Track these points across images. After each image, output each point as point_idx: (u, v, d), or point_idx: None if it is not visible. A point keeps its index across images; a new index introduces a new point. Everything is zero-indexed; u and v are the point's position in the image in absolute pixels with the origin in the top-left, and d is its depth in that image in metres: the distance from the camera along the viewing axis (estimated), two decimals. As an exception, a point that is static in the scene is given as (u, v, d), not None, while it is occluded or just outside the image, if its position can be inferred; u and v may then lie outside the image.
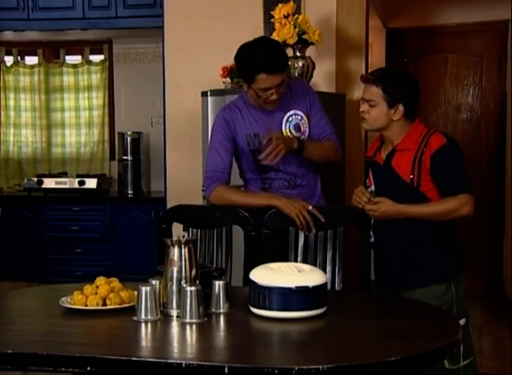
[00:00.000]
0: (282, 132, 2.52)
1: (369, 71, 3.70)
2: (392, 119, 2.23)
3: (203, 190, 3.35)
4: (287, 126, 2.55)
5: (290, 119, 2.55)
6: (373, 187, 2.31)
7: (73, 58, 5.14)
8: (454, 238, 2.30)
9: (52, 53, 5.17)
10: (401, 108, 2.22)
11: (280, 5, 3.23)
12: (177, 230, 2.56)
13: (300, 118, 2.55)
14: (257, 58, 2.38)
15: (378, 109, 2.23)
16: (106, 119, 5.02)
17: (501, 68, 4.85)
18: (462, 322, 2.16)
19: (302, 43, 3.19)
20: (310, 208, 2.37)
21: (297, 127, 2.55)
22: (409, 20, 5.00)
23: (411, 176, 2.19)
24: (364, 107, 2.26)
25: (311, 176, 2.62)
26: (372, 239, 2.34)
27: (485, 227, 4.86)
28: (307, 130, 2.57)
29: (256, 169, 2.58)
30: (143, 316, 1.79)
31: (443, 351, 1.61)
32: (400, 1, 4.94)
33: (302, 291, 1.74)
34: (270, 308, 1.75)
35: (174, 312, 1.83)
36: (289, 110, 2.54)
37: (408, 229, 2.22)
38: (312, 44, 3.20)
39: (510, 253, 4.41)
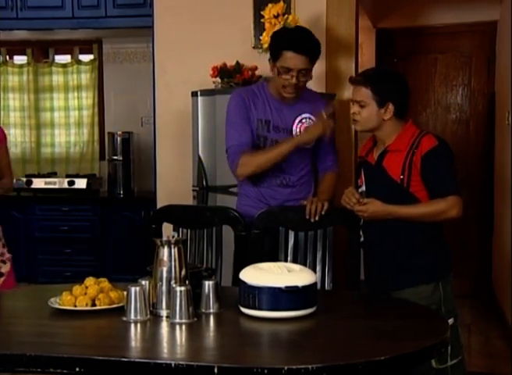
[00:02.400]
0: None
1: (359, 71, 3.72)
2: (384, 119, 2.24)
3: (193, 190, 3.36)
4: (298, 127, 2.57)
5: (304, 120, 2.57)
6: (364, 187, 2.32)
7: (63, 58, 5.12)
8: (442, 239, 2.31)
9: (41, 53, 5.14)
10: (391, 106, 2.23)
11: (270, 5, 3.23)
12: (167, 230, 2.55)
13: (312, 123, 2.56)
14: (290, 36, 2.48)
15: (369, 110, 2.23)
16: (96, 118, 5.00)
17: (489, 68, 4.88)
18: (450, 321, 2.17)
19: (292, 43, 3.19)
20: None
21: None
22: (399, 21, 5.02)
23: (401, 177, 2.20)
24: (354, 108, 2.27)
25: (306, 178, 2.64)
26: (362, 239, 2.35)
27: (474, 227, 4.89)
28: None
29: None
30: (132, 317, 1.79)
31: (432, 351, 1.62)
32: (389, 2, 4.96)
33: (292, 290, 1.74)
34: (260, 308, 1.76)
35: (164, 313, 1.82)
36: (304, 113, 2.57)
37: (397, 229, 2.23)
38: (302, 44, 3.21)
39: (499, 253, 4.44)
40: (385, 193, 2.23)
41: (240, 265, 1.96)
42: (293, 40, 2.46)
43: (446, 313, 2.20)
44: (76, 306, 1.86)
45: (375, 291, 2.33)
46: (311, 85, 3.46)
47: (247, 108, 2.55)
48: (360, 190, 2.33)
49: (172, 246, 1.85)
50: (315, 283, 1.82)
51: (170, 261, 1.85)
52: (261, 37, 3.15)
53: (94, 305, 1.87)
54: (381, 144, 2.30)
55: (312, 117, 2.56)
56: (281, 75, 2.47)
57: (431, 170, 2.19)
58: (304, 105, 2.58)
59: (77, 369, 1.54)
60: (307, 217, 2.39)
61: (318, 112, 2.51)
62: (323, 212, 2.40)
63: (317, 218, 2.39)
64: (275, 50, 2.48)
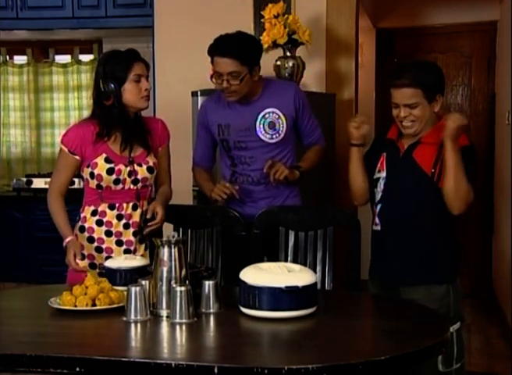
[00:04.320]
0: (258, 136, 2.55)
1: (359, 72, 3.72)
2: (434, 112, 2.23)
3: (193, 190, 3.36)
4: (262, 123, 2.56)
5: (267, 116, 2.55)
6: (384, 174, 2.28)
7: (63, 58, 5.12)
8: (457, 242, 2.31)
9: (41, 52, 5.14)
10: (439, 97, 2.22)
11: (270, 5, 3.23)
12: (167, 230, 2.55)
13: (277, 117, 2.55)
14: (217, 41, 2.47)
15: (421, 108, 2.20)
16: (96, 119, 5.00)
17: (490, 68, 4.88)
18: (457, 325, 2.17)
19: (292, 43, 3.19)
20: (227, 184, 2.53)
21: (272, 125, 2.55)
22: (399, 21, 5.02)
23: (433, 171, 2.20)
24: (404, 112, 2.20)
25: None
26: (378, 227, 2.30)
27: (474, 227, 4.89)
28: (283, 129, 2.55)
29: (227, 158, 2.63)
30: (132, 317, 1.79)
31: (432, 351, 1.62)
32: (389, 2, 4.96)
33: (292, 290, 1.74)
34: (260, 308, 1.75)
35: (164, 313, 1.82)
36: (268, 107, 2.55)
37: (420, 219, 2.22)
38: (302, 44, 3.21)
39: (499, 252, 4.44)
40: (411, 184, 2.21)
41: (240, 265, 1.96)
42: (218, 44, 2.45)
43: (453, 317, 2.20)
44: (76, 306, 1.86)
45: (383, 284, 2.30)
46: (312, 85, 3.48)
47: (204, 118, 2.65)
48: (378, 176, 2.29)
49: (172, 246, 1.85)
50: (315, 283, 1.82)
51: (170, 261, 1.85)
52: (261, 37, 3.15)
53: (94, 305, 1.87)
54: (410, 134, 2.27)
55: (276, 111, 2.54)
56: (216, 81, 2.49)
57: None
58: (267, 99, 2.56)
59: (77, 369, 1.54)
60: (264, 170, 2.47)
61: (283, 103, 2.54)
62: (281, 178, 2.46)
63: (273, 183, 2.47)
64: (210, 57, 2.49)
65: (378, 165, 2.32)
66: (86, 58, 5.04)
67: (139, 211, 2.36)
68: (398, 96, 2.20)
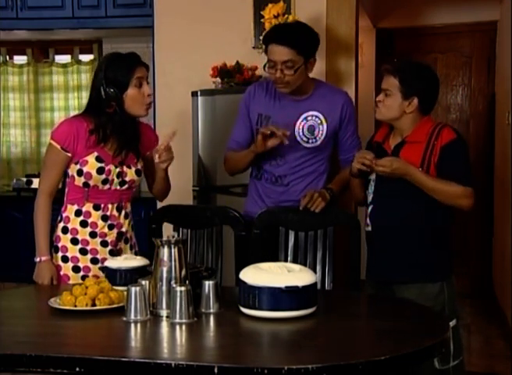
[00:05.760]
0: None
1: (359, 72, 3.72)
2: (405, 112, 2.24)
3: (193, 190, 3.36)
4: (301, 124, 2.49)
5: (309, 118, 2.49)
6: (374, 175, 2.29)
7: (63, 58, 5.11)
8: (449, 239, 2.32)
9: (41, 52, 5.14)
10: (415, 101, 2.22)
11: (270, 5, 3.23)
12: (167, 230, 2.55)
13: (319, 121, 2.49)
14: (275, 29, 2.46)
15: (393, 99, 2.23)
16: (96, 119, 5.00)
17: (490, 68, 4.88)
18: (453, 323, 2.17)
19: (292, 43, 3.19)
20: None
21: (311, 129, 2.49)
22: (399, 21, 5.02)
23: (420, 169, 2.20)
24: (380, 96, 2.27)
25: (306, 182, 2.54)
26: (369, 228, 2.32)
27: (474, 227, 4.89)
28: (322, 136, 2.49)
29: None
30: (132, 317, 1.79)
31: (432, 351, 1.62)
32: (389, 2, 4.96)
33: (292, 290, 1.74)
34: (260, 308, 1.75)
35: (164, 313, 1.82)
36: (312, 110, 2.49)
37: (410, 220, 2.23)
38: (302, 44, 3.20)
39: (498, 253, 4.44)
40: (400, 184, 2.21)
41: (240, 265, 1.96)
42: (276, 32, 2.43)
43: (449, 314, 2.20)
44: (76, 306, 1.86)
45: (378, 283, 2.31)
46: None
47: (250, 103, 2.55)
48: (369, 178, 2.31)
49: (172, 246, 1.85)
50: (315, 283, 1.81)
51: (170, 261, 1.84)
52: (261, 37, 3.14)
53: (94, 305, 1.87)
54: (398, 134, 2.29)
55: (320, 116, 2.48)
56: (269, 70, 2.43)
57: (449, 162, 2.19)
58: (315, 101, 2.50)
59: (77, 369, 1.54)
60: (301, 209, 2.39)
61: (330, 110, 2.48)
62: (317, 211, 2.38)
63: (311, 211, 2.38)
64: (265, 46, 2.46)
65: None
66: (86, 58, 5.04)
67: (115, 231, 2.32)
68: (382, 80, 2.28)
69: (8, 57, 5.15)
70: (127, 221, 2.37)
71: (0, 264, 4.62)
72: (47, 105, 5.09)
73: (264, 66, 2.44)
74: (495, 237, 4.69)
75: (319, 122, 2.49)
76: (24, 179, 4.69)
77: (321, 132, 2.50)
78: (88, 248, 2.29)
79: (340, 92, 2.65)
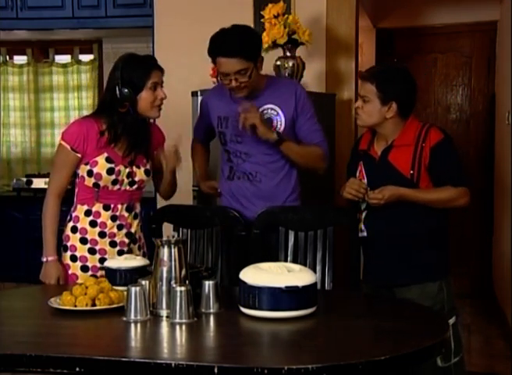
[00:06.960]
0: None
1: (359, 71, 3.72)
2: (386, 117, 2.24)
3: (193, 190, 3.36)
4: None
5: (265, 112, 2.49)
6: (365, 181, 2.30)
7: (63, 58, 5.12)
8: (447, 238, 2.32)
9: (41, 52, 5.14)
10: (394, 106, 2.22)
11: (270, 5, 3.22)
12: (167, 230, 2.55)
13: (276, 113, 2.50)
14: (216, 41, 2.40)
15: (372, 106, 2.23)
16: (96, 118, 5.00)
17: (490, 69, 4.89)
18: (452, 320, 2.18)
19: (292, 43, 3.19)
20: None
21: (269, 121, 2.49)
22: (399, 21, 5.02)
23: (411, 172, 2.21)
24: (358, 103, 2.28)
25: (279, 177, 2.53)
26: (365, 234, 2.32)
27: (474, 227, 4.89)
28: (281, 128, 2.49)
29: (224, 152, 2.60)
30: (132, 317, 1.79)
31: (432, 351, 1.62)
32: (389, 2, 4.96)
33: (292, 290, 1.74)
34: (260, 308, 1.75)
35: (164, 313, 1.82)
36: (267, 103, 2.50)
37: (405, 221, 2.24)
38: (302, 44, 3.21)
39: (498, 253, 4.44)
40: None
41: (240, 265, 1.96)
42: (219, 44, 2.38)
43: (448, 312, 2.21)
44: (76, 306, 1.86)
45: (377, 287, 2.32)
46: (312, 85, 3.47)
47: (209, 108, 2.63)
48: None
49: (172, 246, 1.85)
50: (315, 283, 1.81)
51: (170, 261, 1.85)
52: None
53: (94, 305, 1.87)
54: (382, 139, 2.29)
55: (276, 108, 2.49)
56: (224, 80, 2.44)
57: (440, 163, 2.20)
58: (268, 95, 2.51)
59: (77, 369, 1.54)
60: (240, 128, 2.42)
61: (284, 99, 2.49)
62: (246, 123, 2.37)
63: (240, 127, 2.40)
64: (212, 59, 2.44)
65: (358, 174, 2.34)
66: (86, 58, 5.04)
67: (124, 231, 2.33)
68: (359, 86, 2.33)
69: (8, 57, 5.15)
70: (136, 222, 2.38)
71: (0, 264, 4.62)
72: (47, 105, 5.10)
73: (217, 77, 2.46)
74: (494, 237, 4.69)
75: (275, 113, 2.50)
76: (24, 179, 4.70)
77: (279, 122, 2.50)
78: (97, 247, 2.30)
79: (291, 82, 2.79)
